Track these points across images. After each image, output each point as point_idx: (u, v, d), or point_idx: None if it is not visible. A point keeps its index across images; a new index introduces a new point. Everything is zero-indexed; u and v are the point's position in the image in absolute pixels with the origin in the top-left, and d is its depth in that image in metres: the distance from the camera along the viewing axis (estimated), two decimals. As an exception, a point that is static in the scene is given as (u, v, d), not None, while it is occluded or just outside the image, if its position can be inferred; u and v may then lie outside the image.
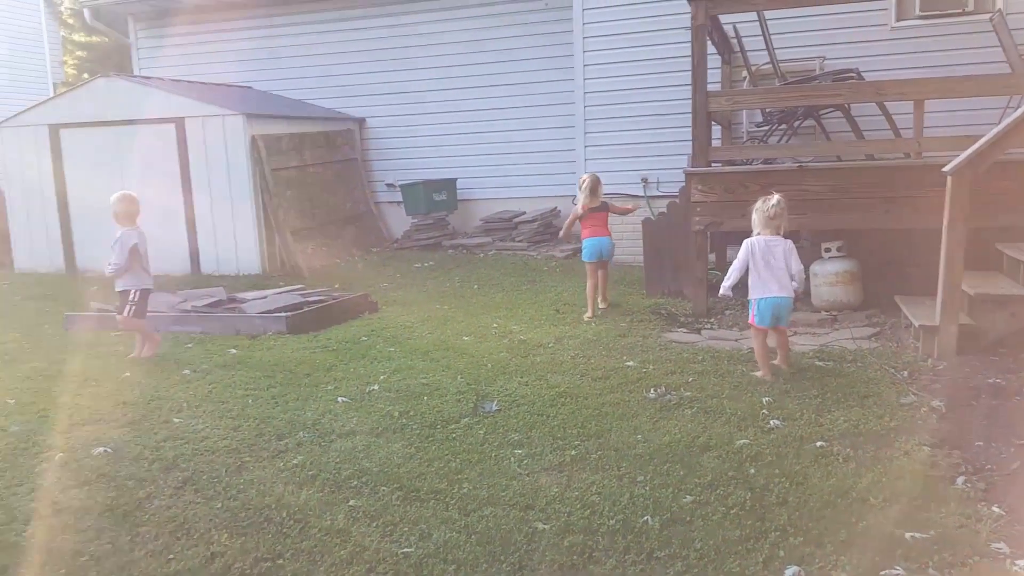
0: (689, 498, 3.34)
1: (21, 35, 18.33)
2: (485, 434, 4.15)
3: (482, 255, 10.54)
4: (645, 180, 9.53)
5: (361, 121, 12.25)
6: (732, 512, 3.22)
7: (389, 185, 12.22)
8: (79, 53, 19.96)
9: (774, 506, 3.25)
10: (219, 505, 3.47)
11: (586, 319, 6.65)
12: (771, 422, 4.15)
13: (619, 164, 9.56)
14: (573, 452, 3.87)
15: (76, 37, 19.60)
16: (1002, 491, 3.32)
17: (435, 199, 11.40)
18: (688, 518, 3.18)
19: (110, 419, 4.60)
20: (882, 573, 2.77)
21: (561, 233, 7.38)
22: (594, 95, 9.62)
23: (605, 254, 6.95)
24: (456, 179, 11.68)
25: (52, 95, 17.97)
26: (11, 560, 3.10)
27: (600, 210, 6.93)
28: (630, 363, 5.30)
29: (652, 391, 4.69)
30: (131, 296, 5.99)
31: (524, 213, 11.18)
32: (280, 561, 3.01)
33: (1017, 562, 2.81)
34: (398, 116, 12.09)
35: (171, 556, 3.07)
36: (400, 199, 11.74)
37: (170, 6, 12.66)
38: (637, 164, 9.51)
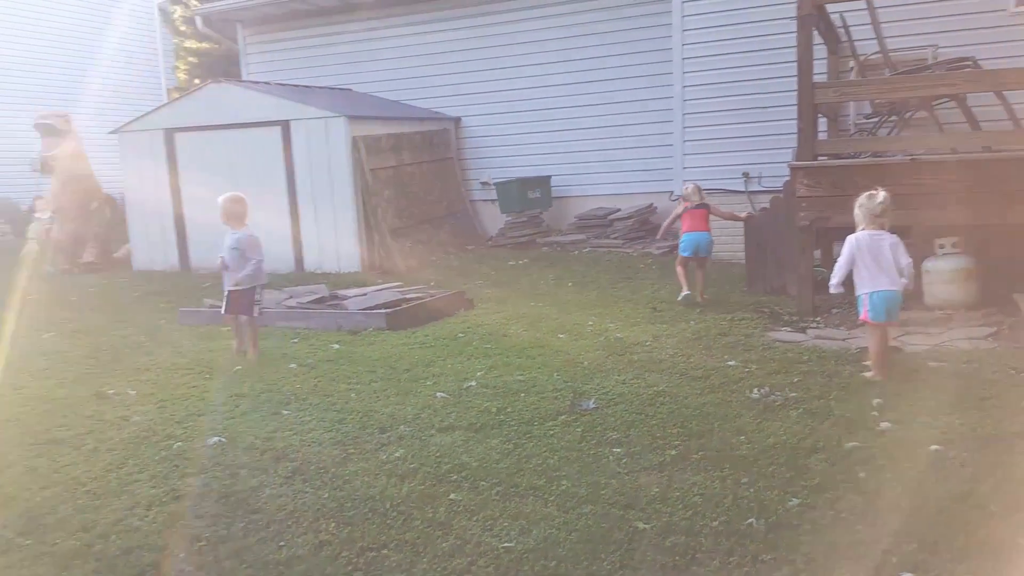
0: (796, 501, 3.26)
1: (138, 43, 19.34)
2: (583, 432, 4.14)
3: (577, 253, 10.52)
4: (746, 175, 9.31)
5: (457, 120, 12.40)
6: (842, 516, 3.12)
7: (483, 183, 12.33)
8: (190, 59, 20.88)
9: (886, 511, 3.14)
10: (326, 495, 3.57)
11: (681, 299, 6.91)
12: (882, 424, 4.00)
13: (719, 159, 9.38)
14: (673, 452, 3.82)
15: (188, 44, 20.51)
16: None
17: (529, 197, 11.44)
18: (795, 522, 3.10)
19: (223, 410, 4.80)
20: (1005, 585, 2.64)
21: (659, 233, 7.40)
22: (693, 88, 9.46)
23: (703, 250, 6.99)
24: (550, 176, 11.69)
25: (166, 100, 18.91)
26: (135, 543, 3.27)
27: (700, 207, 6.92)
28: (732, 362, 5.19)
29: (755, 391, 4.58)
30: (256, 295, 6.06)
31: (619, 210, 11.09)
32: (385, 551, 3.07)
33: None
34: (493, 115, 12.18)
35: (282, 543, 3.18)
36: (495, 197, 11.83)
37: (276, 12, 13.11)
38: (738, 158, 9.31)
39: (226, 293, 6.10)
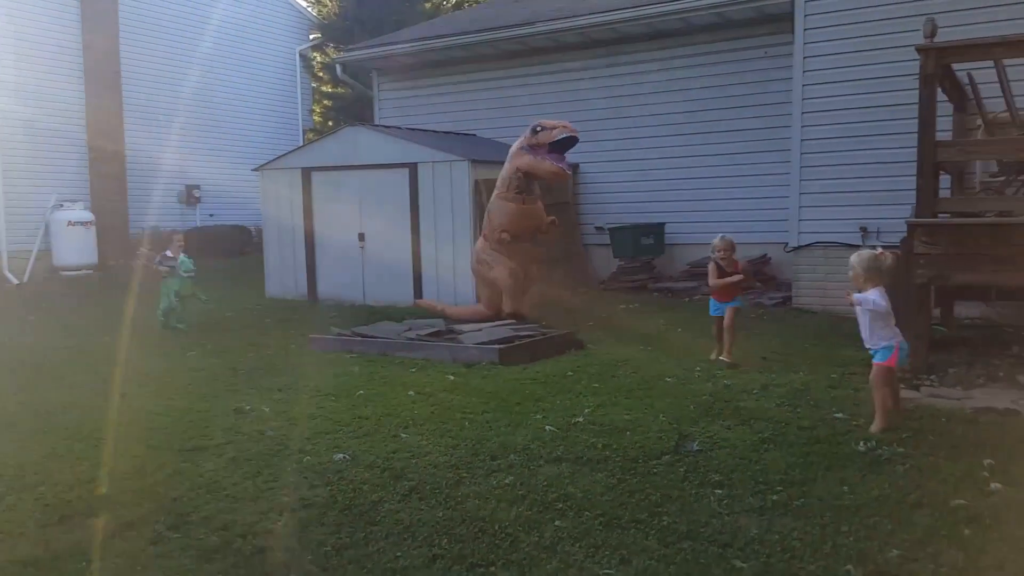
0: (896, 552, 3.29)
1: (280, 88, 20.78)
2: (686, 472, 4.26)
3: (688, 299, 10.59)
4: (864, 230, 9.20)
5: (575, 166, 12.71)
6: (942, 571, 3.14)
7: (598, 228, 12.58)
8: (325, 102, 22.17)
9: (989, 569, 3.14)
10: (440, 514, 3.83)
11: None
12: (992, 485, 3.95)
13: (835, 212, 9.33)
14: (775, 497, 3.90)
15: (324, 88, 21.81)
16: None
17: (642, 243, 11.62)
18: (894, 572, 3.15)
19: (347, 430, 5.17)
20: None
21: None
22: (811, 142, 9.47)
23: None
24: (664, 223, 11.84)
25: (302, 140, 20.19)
26: (268, 544, 3.62)
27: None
28: (839, 415, 5.20)
29: (862, 444, 4.59)
30: None
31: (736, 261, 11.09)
32: (492, 569, 3.30)
33: None
34: (610, 162, 12.46)
35: (399, 554, 3.46)
36: (608, 242, 12.06)
37: (410, 62, 13.92)
38: (855, 213, 9.22)
39: None
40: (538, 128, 8.59)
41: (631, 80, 12.24)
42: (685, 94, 11.81)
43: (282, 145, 18.08)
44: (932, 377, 6.14)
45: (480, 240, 9.25)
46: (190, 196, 18.47)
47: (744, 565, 3.24)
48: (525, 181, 8.70)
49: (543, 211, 9.10)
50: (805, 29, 9.40)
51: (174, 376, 6.95)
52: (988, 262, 6.06)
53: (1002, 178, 7.59)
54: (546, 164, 8.51)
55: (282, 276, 11.92)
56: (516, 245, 8.86)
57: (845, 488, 3.99)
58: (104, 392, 6.41)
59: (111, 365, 7.48)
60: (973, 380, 6.02)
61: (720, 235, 7.01)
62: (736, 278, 6.94)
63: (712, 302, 7.08)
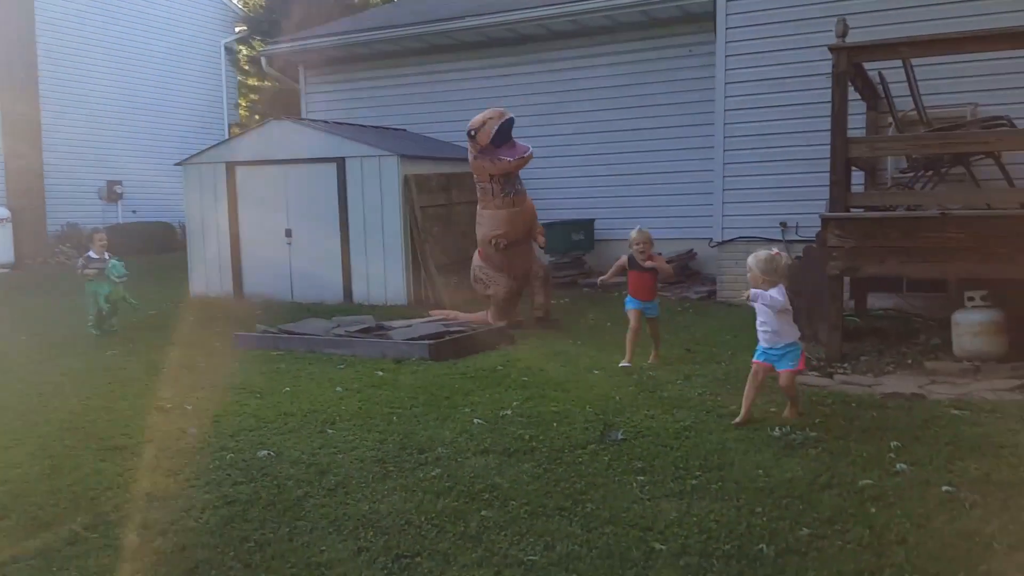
0: (806, 531, 3.43)
1: (205, 81, 20.32)
2: (610, 460, 4.35)
3: (617, 294, 10.69)
4: (784, 224, 9.50)
5: (505, 162, 12.77)
6: (849, 547, 3.28)
7: (529, 224, 12.65)
8: (252, 96, 21.78)
9: (893, 544, 3.29)
10: (366, 507, 3.84)
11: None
12: (898, 465, 4.14)
13: (757, 208, 9.60)
14: (694, 482, 4.02)
15: (250, 82, 21.41)
16: None
17: (573, 239, 11.75)
18: (804, 550, 3.28)
19: (273, 426, 5.13)
20: (999, 616, 2.79)
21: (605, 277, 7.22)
22: (734, 139, 9.73)
23: None
24: (594, 220, 12.00)
25: (227, 135, 19.80)
26: (189, 541, 3.57)
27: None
28: (757, 402, 5.35)
29: (777, 430, 4.76)
30: None
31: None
32: (418, 559, 3.32)
33: None
34: (540, 159, 12.43)
35: (324, 548, 3.45)
36: (539, 238, 12.15)
37: (338, 55, 13.77)
38: (776, 208, 9.52)
39: None
40: (472, 132, 8.33)
41: (560, 76, 12.37)
42: (613, 91, 11.99)
43: (207, 139, 17.72)
44: (845, 365, 6.38)
45: (477, 255, 8.89)
46: (112, 192, 17.96)
47: (663, 547, 3.33)
48: (503, 182, 8.44)
49: (534, 210, 8.87)
50: (727, 28, 9.64)
51: (93, 375, 6.77)
52: (897, 254, 6.33)
53: (911, 174, 7.92)
54: (505, 163, 8.33)
55: (207, 273, 11.68)
56: (514, 249, 8.55)
57: (760, 471, 4.13)
58: (20, 392, 6.22)
59: (28, 365, 7.26)
60: (883, 367, 6.29)
61: (637, 228, 6.95)
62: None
63: (628, 298, 6.99)
